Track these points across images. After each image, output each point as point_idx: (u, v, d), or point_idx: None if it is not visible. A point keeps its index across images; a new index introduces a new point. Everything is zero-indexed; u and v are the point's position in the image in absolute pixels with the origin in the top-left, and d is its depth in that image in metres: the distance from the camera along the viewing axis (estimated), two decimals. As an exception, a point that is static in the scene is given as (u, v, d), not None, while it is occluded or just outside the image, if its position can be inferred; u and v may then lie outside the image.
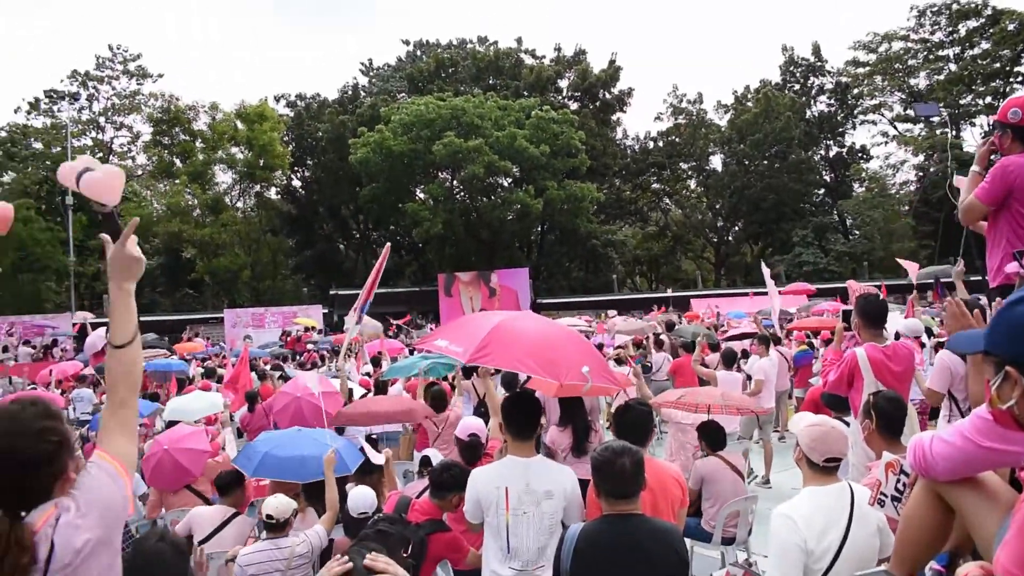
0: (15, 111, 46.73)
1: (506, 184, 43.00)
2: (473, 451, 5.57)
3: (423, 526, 4.56)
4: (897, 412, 3.86)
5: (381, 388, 10.93)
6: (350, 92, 50.36)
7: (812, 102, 49.35)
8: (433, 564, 4.61)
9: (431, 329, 33.39)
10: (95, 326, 25.44)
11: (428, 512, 4.80)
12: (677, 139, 50.05)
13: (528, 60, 50.30)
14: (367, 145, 38.84)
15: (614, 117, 50.69)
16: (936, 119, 41.23)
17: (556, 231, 44.62)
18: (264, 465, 6.58)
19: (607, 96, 49.27)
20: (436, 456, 6.74)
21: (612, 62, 48.32)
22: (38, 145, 46.44)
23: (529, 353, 4.48)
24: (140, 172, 50.99)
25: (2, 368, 20.65)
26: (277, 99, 48.60)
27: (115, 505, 2.20)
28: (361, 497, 5.46)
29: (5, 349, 27.17)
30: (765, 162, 46.70)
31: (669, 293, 42.02)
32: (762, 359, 10.81)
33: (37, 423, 2.14)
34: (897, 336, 7.51)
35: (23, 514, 2.11)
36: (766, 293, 15.91)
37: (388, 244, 10.72)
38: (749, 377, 10.89)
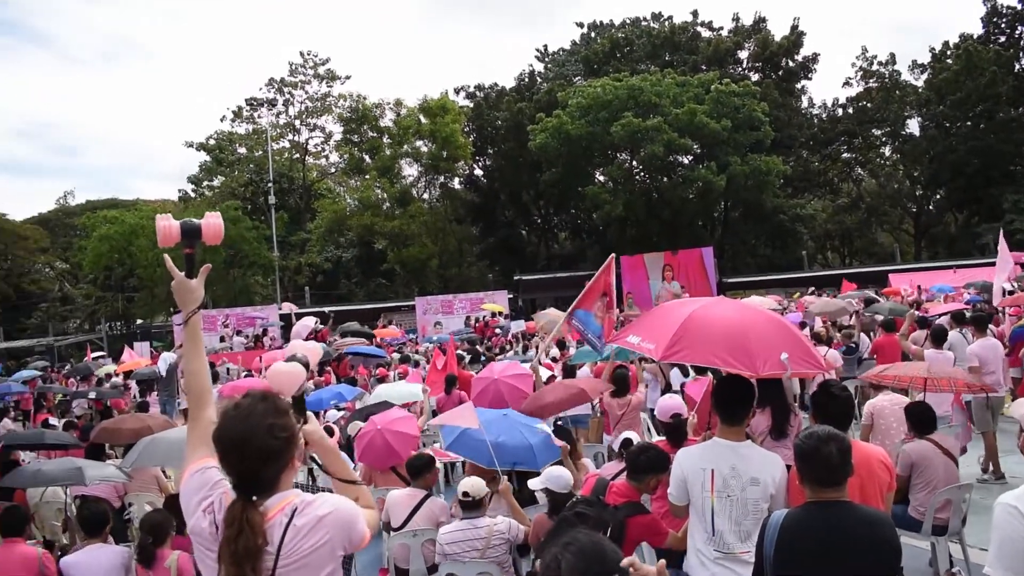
0: (221, 120, 50.60)
1: (687, 162, 42.20)
2: (677, 432, 5.51)
3: (621, 508, 4.57)
4: None
5: (569, 372, 11.03)
6: (527, 79, 50.92)
7: (1021, 54, 45.16)
8: (632, 547, 4.60)
9: (619, 313, 33.32)
10: (299, 315, 27.22)
11: (626, 494, 4.80)
12: (868, 104, 47.18)
13: (705, 33, 49.08)
14: (545, 131, 39.18)
15: (799, 86, 48.59)
16: None
17: (740, 207, 43.36)
18: (458, 444, 6.82)
19: (790, 64, 47.28)
20: (639, 440, 6.72)
21: (794, 28, 46.32)
22: (242, 150, 50.12)
23: (723, 345, 4.40)
24: (333, 170, 53.91)
25: (220, 356, 22.38)
26: (457, 91, 49.88)
27: (349, 517, 2.40)
28: (562, 474, 5.56)
29: (222, 339, 29.49)
30: (968, 123, 43.18)
31: (863, 268, 39.95)
32: (977, 341, 9.67)
33: (267, 419, 2.36)
34: None
35: (255, 499, 2.34)
36: (974, 265, 14.81)
37: (612, 255, 10.16)
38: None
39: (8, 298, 50.74)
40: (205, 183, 50.66)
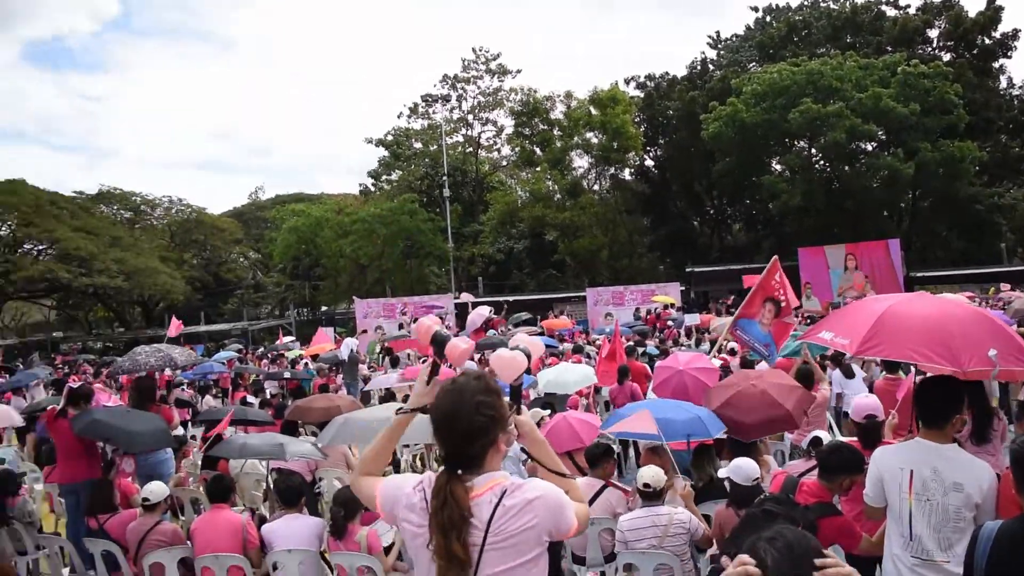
0: (398, 116, 52.61)
1: (871, 149, 40.15)
2: (872, 433, 5.30)
3: (812, 508, 4.40)
4: None
5: (747, 366, 10.79)
6: (699, 67, 49.89)
7: None
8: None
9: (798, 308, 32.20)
10: (475, 305, 27.94)
11: (817, 494, 4.66)
12: (1079, 82, 43.28)
13: (890, 12, 46.33)
14: (719, 119, 38.30)
15: (996, 65, 44.95)
16: None
17: (930, 197, 40.73)
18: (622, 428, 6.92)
19: (986, 42, 43.85)
20: (828, 438, 6.55)
21: (991, 2, 42.95)
22: (418, 145, 51.85)
23: (922, 340, 4.18)
24: (505, 163, 54.85)
25: (401, 344, 23.27)
26: (627, 82, 49.50)
27: (558, 504, 2.44)
28: (747, 466, 5.50)
29: (400, 326, 30.66)
30: None
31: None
32: None
33: (477, 397, 2.46)
34: None
35: (460, 473, 2.45)
36: None
37: (775, 257, 9.92)
38: None
39: (208, 285, 55.13)
40: (384, 177, 52.83)
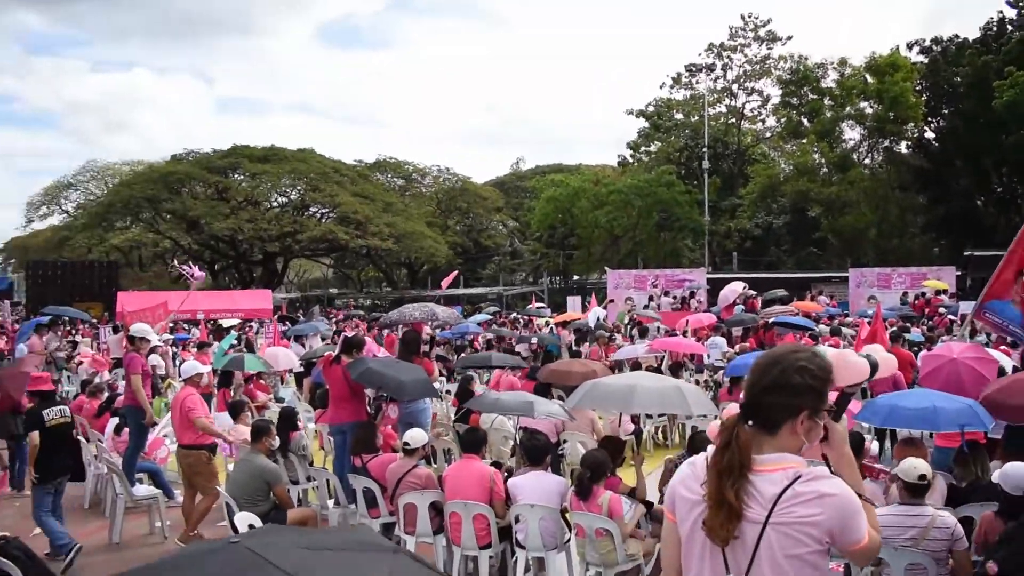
0: (660, 87, 51.85)
1: None
2: None
3: None
4: None
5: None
6: (995, 28, 45.02)
7: None
8: None
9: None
10: (727, 281, 27.27)
11: None
12: None
13: None
14: (1016, 86, 34.45)
15: None
16: None
17: None
18: (893, 417, 6.55)
19: None
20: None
21: None
22: (679, 116, 51.05)
23: None
24: (769, 134, 52.77)
25: (650, 319, 23.22)
26: (910, 46, 45.62)
27: (852, 509, 2.27)
28: (1020, 473, 5.00)
29: (651, 298, 30.60)
30: None
31: None
32: None
33: (800, 360, 2.36)
34: None
35: (750, 424, 2.37)
36: None
37: None
38: None
39: (469, 251, 58.02)
40: (642, 148, 52.47)
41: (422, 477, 7.17)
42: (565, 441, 9.47)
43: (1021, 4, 46.38)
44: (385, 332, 19.58)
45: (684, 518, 2.43)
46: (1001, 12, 46.29)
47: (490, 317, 29.11)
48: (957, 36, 44.88)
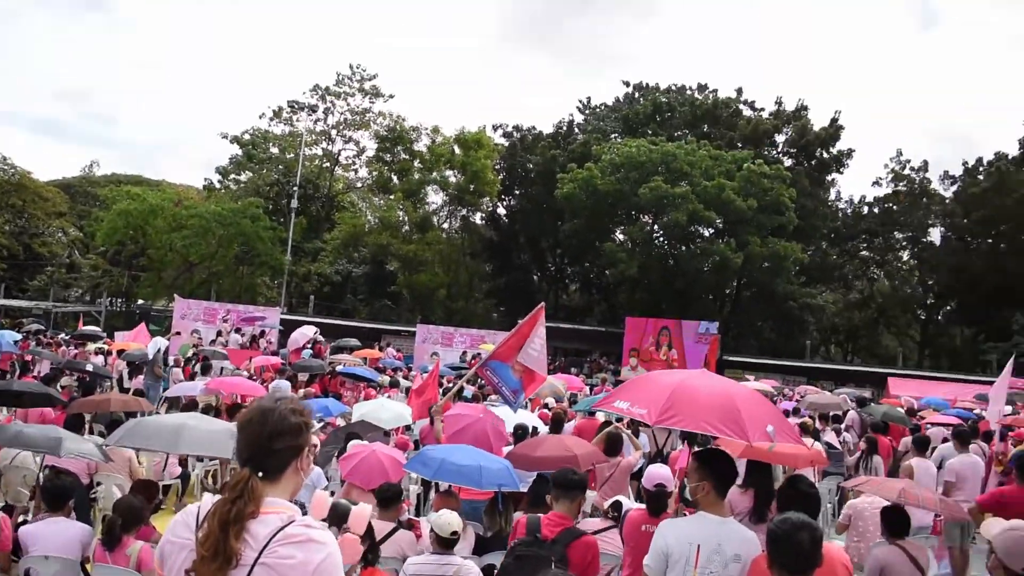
0: (260, 116, 50.88)
1: (707, 235, 42.27)
2: (658, 502, 5.47)
3: (559, 538, 4.66)
4: None
5: (557, 424, 10.82)
6: (565, 128, 51.26)
7: (1053, 183, 45.36)
8: (578, 570, 4.70)
9: (608, 374, 33.33)
10: (300, 323, 27.23)
11: (559, 523, 4.93)
12: (894, 207, 47.36)
13: (746, 111, 49.40)
14: (574, 181, 39.38)
15: (829, 177, 48.69)
16: None
17: (752, 288, 43.33)
18: (442, 471, 6.91)
19: (824, 155, 47.44)
20: (628, 503, 6.73)
21: (834, 120, 46.55)
22: (274, 150, 50.40)
23: (715, 413, 4.50)
24: (360, 184, 54.22)
25: (243, 355, 22.39)
26: (495, 128, 50.23)
27: (331, 566, 2.32)
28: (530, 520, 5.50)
29: (218, 333, 29.43)
30: (991, 241, 43.39)
31: (864, 368, 39.87)
32: (958, 456, 9.72)
33: (288, 405, 2.50)
34: None
35: (260, 475, 2.39)
36: (973, 382, 14.74)
37: (543, 304, 10.25)
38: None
39: (16, 256, 50.94)
40: (232, 176, 50.86)
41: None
42: (99, 484, 8.61)
43: (587, 111, 53.45)
44: None
45: (171, 567, 2.41)
46: (572, 115, 52.97)
47: (24, 336, 25.37)
48: (535, 128, 50.36)
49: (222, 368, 21.15)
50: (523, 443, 8.65)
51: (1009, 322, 40.17)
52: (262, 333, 30.92)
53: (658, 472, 5.69)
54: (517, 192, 49.90)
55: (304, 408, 2.55)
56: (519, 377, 9.38)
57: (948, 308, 48.33)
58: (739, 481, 6.27)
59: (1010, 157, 44.91)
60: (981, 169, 45.07)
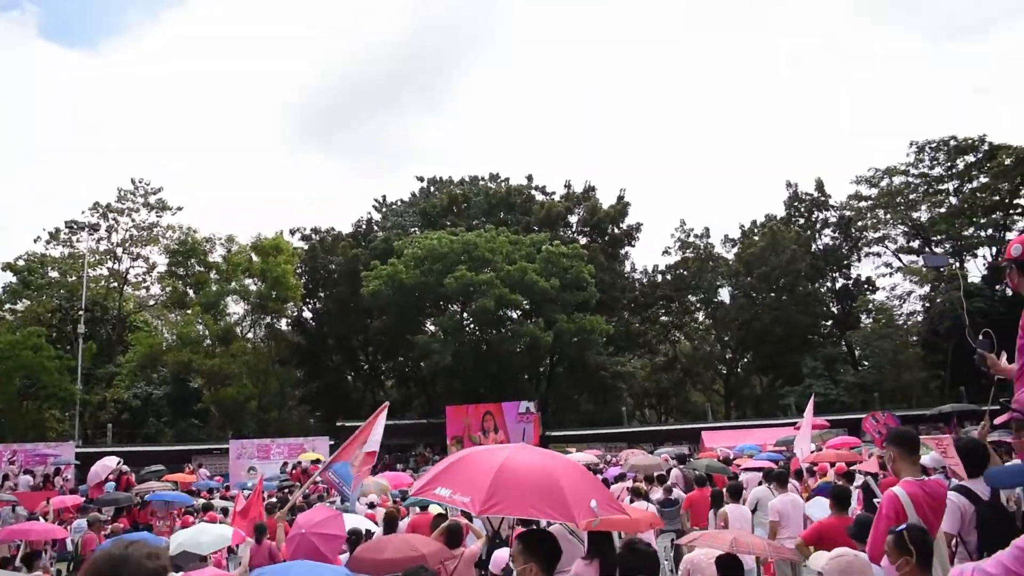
0: (35, 240, 47.36)
1: (516, 317, 43.24)
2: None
3: None
4: (929, 545, 3.78)
5: (390, 523, 10.48)
6: (364, 227, 51.40)
7: (817, 236, 50.12)
8: None
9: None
10: (100, 455, 25.12)
11: None
12: (685, 272, 50.66)
13: (539, 196, 51.55)
14: (379, 278, 39.36)
15: (623, 251, 51.45)
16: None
17: (565, 363, 44.52)
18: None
19: (616, 231, 50.17)
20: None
21: (620, 198, 49.46)
22: (54, 274, 47.16)
23: (539, 496, 4.46)
24: (153, 302, 51.57)
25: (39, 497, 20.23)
26: (292, 232, 49.62)
27: None
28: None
29: (6, 477, 26.71)
30: (772, 295, 47.10)
31: (679, 426, 41.68)
32: (778, 497, 10.26)
33: (143, 548, 2.31)
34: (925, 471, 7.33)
35: None
36: (777, 425, 15.76)
37: (387, 403, 10.51)
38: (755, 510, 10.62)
39: None
40: (8, 306, 47.00)
41: None
42: None
43: (385, 208, 53.92)
44: None
45: None
46: (370, 213, 53.29)
47: None
48: (333, 228, 50.17)
49: (13, 507, 19.19)
50: (364, 546, 8.34)
51: (799, 366, 43.54)
52: (57, 471, 28.32)
53: (503, 557, 5.60)
54: (322, 294, 49.23)
55: (159, 550, 2.34)
56: (355, 472, 9.26)
57: (745, 360, 51.66)
58: (582, 553, 6.30)
59: (779, 217, 49.36)
60: (756, 230, 49.16)
